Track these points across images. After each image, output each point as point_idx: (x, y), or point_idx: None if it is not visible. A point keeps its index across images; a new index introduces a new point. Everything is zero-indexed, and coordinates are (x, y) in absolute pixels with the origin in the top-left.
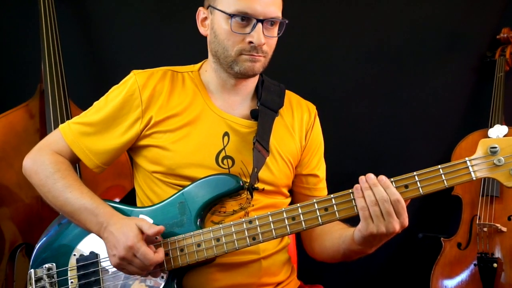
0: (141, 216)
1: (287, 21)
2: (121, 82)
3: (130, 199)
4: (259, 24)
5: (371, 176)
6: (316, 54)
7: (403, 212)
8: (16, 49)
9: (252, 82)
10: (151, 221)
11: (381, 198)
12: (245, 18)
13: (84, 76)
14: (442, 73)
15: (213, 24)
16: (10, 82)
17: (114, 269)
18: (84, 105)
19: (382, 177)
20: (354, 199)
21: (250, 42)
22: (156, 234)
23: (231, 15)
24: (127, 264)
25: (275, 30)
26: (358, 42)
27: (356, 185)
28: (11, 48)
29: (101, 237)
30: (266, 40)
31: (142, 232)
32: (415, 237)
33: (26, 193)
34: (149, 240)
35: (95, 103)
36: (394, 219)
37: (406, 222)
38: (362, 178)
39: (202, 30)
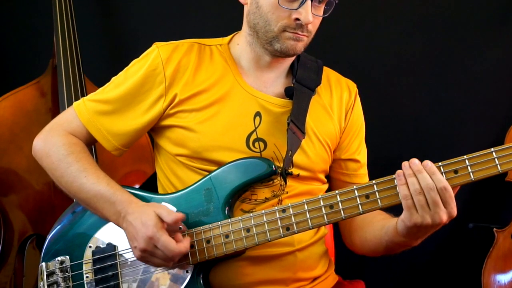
0: (163, 203)
1: (337, 1)
2: (142, 56)
3: (151, 185)
4: (309, 1)
5: (415, 161)
6: (356, 27)
7: (451, 201)
8: (26, 21)
9: (289, 60)
10: (174, 209)
11: (426, 186)
12: None
13: (101, 50)
14: (495, 46)
15: None
16: (20, 57)
17: (134, 262)
18: (100, 81)
19: (428, 163)
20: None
21: (297, 19)
22: (175, 222)
23: None
24: (150, 256)
25: (322, 9)
26: (401, 12)
27: (398, 171)
28: (21, 20)
29: (120, 227)
30: (313, 19)
31: (162, 220)
32: (465, 228)
33: (37, 179)
34: (172, 229)
35: (114, 78)
36: (441, 209)
37: (454, 211)
38: (405, 164)
39: None
